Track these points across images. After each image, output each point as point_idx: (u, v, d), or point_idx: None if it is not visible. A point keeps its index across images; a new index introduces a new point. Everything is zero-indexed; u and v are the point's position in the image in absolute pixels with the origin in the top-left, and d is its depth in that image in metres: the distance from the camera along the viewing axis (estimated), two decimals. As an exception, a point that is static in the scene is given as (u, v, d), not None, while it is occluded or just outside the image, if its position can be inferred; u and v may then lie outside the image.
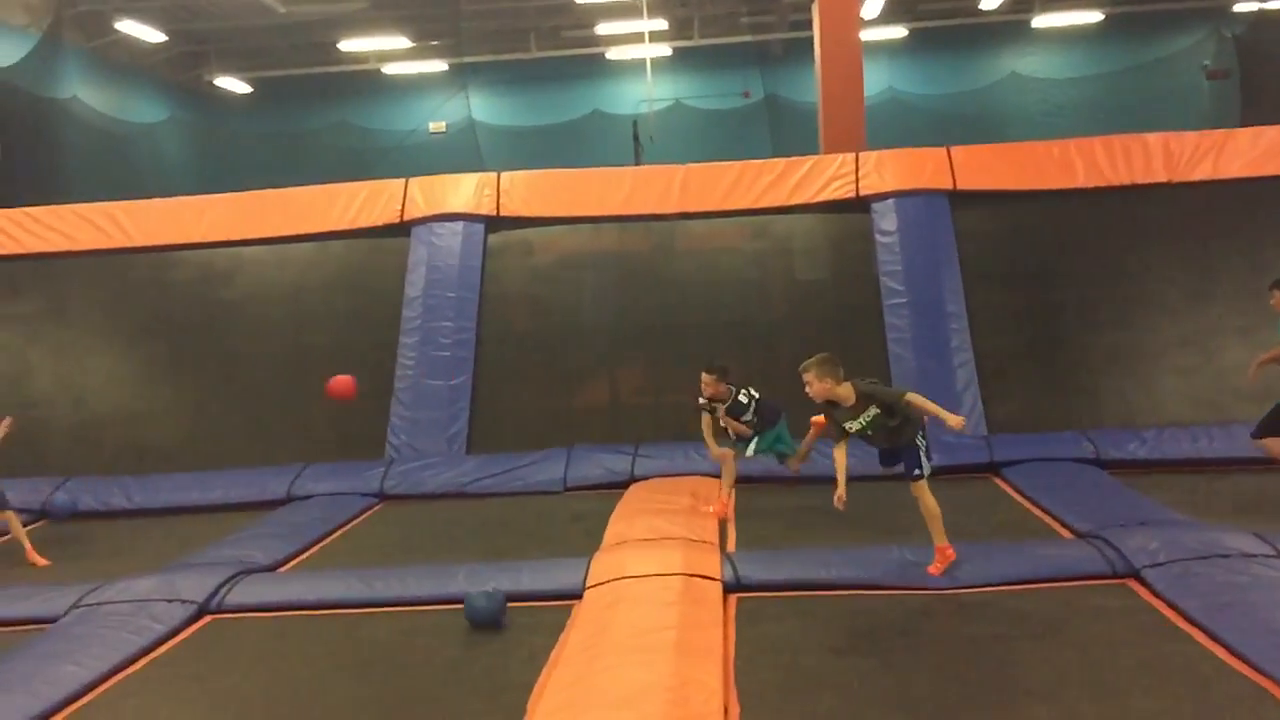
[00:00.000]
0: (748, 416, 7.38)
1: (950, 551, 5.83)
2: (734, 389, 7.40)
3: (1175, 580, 5.38)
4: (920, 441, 5.94)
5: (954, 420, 5.65)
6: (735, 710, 4.35)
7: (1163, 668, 4.63)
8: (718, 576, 5.83)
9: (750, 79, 23.02)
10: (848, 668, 4.80)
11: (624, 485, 8.45)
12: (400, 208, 10.39)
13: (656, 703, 4.14)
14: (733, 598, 5.70)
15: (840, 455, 5.95)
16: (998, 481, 8.19)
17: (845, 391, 5.87)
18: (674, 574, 5.73)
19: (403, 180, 10.60)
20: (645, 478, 8.53)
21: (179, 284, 10.48)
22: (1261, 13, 21.58)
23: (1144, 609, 5.32)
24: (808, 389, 5.93)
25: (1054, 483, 7.64)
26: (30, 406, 9.92)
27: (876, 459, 8.19)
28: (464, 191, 10.46)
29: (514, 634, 5.41)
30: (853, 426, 5.93)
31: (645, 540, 6.55)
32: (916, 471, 5.90)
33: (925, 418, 6.02)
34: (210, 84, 25.14)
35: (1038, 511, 7.26)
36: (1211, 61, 22.54)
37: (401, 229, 10.36)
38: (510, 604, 5.80)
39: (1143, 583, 5.55)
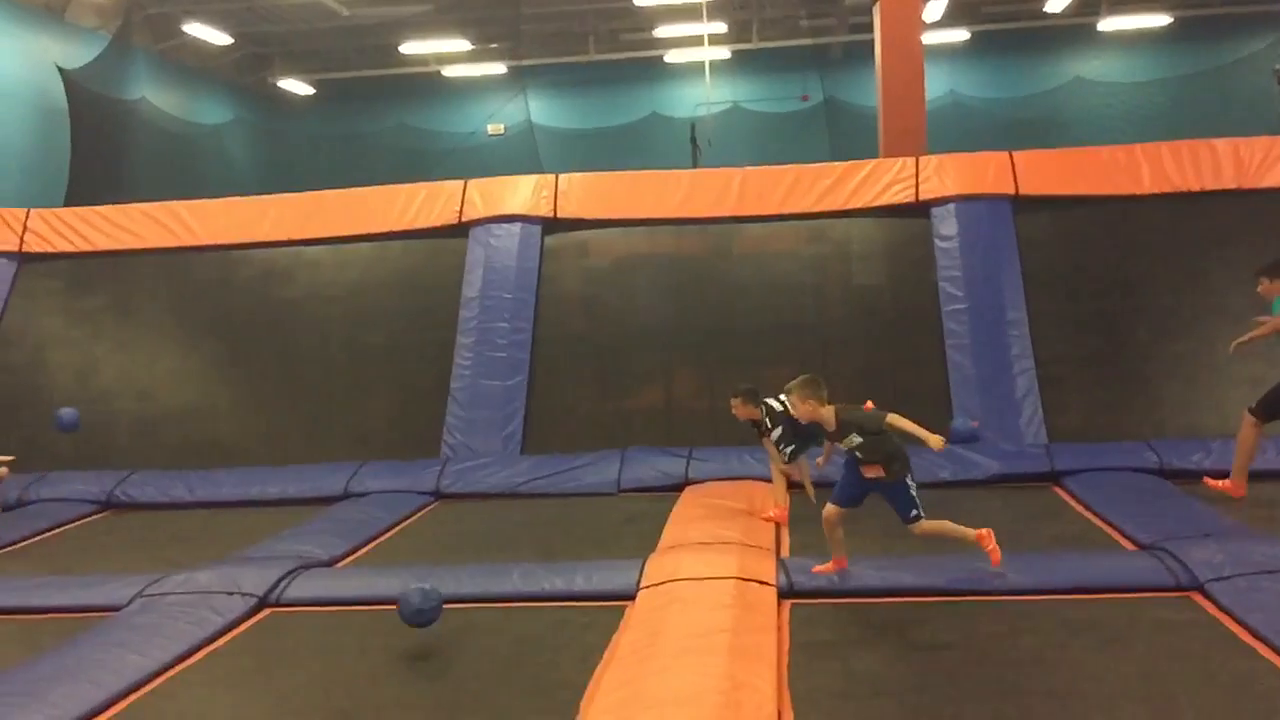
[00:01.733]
0: (776, 434, 7.30)
1: (986, 533, 5.77)
2: (764, 407, 7.37)
3: (1241, 594, 5.26)
4: (909, 481, 5.77)
5: (934, 440, 5.56)
6: (788, 715, 4.32)
7: (1225, 682, 4.52)
8: (772, 582, 5.81)
9: (809, 82, 22.93)
10: (902, 675, 4.75)
11: (678, 488, 8.44)
12: (459, 209, 10.47)
13: (709, 706, 4.13)
14: (786, 603, 5.67)
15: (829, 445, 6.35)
16: (1058, 491, 8.06)
17: (828, 414, 5.79)
18: (728, 578, 5.71)
19: (461, 182, 10.69)
20: (699, 481, 8.51)
21: (241, 282, 10.66)
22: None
23: (1207, 622, 5.20)
24: (792, 410, 5.99)
25: (1116, 493, 7.49)
26: (96, 400, 10.15)
27: (933, 469, 8.20)
28: (521, 193, 10.52)
29: (567, 633, 5.42)
30: (841, 446, 5.94)
31: (700, 544, 6.53)
32: (914, 513, 5.76)
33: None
34: (274, 86, 25.59)
35: (1099, 522, 7.13)
36: (1284, 66, 22.04)
37: (460, 230, 10.44)
38: (564, 604, 5.83)
39: (1207, 596, 5.43)
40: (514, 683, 4.89)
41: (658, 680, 4.42)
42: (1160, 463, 8.15)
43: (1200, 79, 22.33)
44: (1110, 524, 6.98)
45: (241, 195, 11.36)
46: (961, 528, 5.79)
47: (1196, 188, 9.67)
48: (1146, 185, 9.74)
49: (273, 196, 11.04)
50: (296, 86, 25.81)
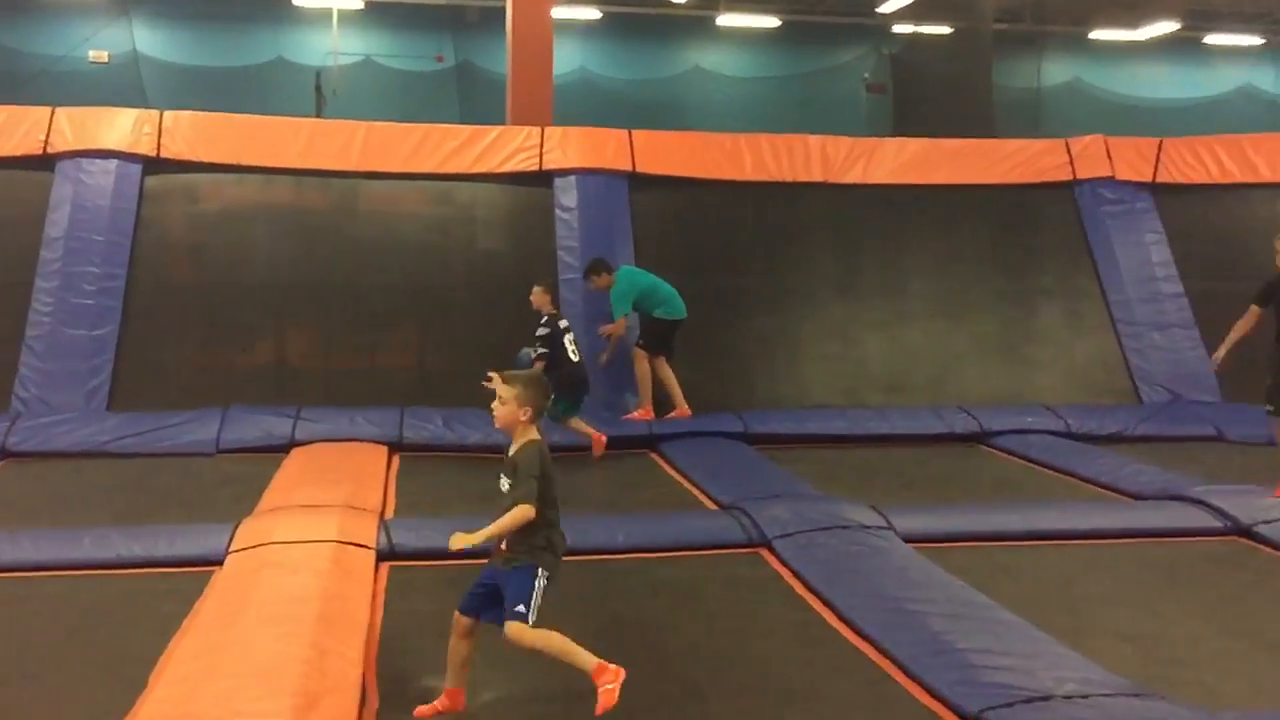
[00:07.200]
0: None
1: (608, 670, 3.90)
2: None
3: (800, 550, 5.80)
4: (540, 574, 4.00)
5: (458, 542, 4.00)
6: (373, 682, 4.29)
7: (784, 632, 4.95)
8: (372, 545, 5.72)
9: (444, 43, 22.64)
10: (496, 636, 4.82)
11: (284, 449, 8.10)
12: (44, 139, 9.47)
13: (290, 675, 3.97)
14: (385, 566, 5.62)
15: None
16: (654, 457, 8.54)
17: (523, 432, 4.12)
18: (325, 541, 5.54)
19: (48, 109, 9.66)
20: (307, 442, 8.23)
21: None
22: (915, 35, 23.72)
23: (773, 576, 5.70)
24: (498, 403, 4.10)
25: (705, 458, 8.04)
26: None
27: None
28: (120, 127, 9.67)
29: (143, 602, 5.07)
30: (502, 483, 4.14)
31: (301, 506, 6.32)
32: (520, 609, 3.93)
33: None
34: None
35: (689, 485, 7.63)
36: (871, 75, 24.53)
37: (44, 162, 9.45)
38: (143, 570, 5.47)
39: (773, 551, 5.96)
40: (77, 657, 4.51)
41: (238, 650, 4.21)
42: (745, 428, 8.85)
43: (802, 80, 24.38)
44: (698, 486, 7.48)
45: None
46: (580, 651, 3.95)
47: (790, 178, 10.52)
48: (748, 172, 10.49)
49: None
50: None
